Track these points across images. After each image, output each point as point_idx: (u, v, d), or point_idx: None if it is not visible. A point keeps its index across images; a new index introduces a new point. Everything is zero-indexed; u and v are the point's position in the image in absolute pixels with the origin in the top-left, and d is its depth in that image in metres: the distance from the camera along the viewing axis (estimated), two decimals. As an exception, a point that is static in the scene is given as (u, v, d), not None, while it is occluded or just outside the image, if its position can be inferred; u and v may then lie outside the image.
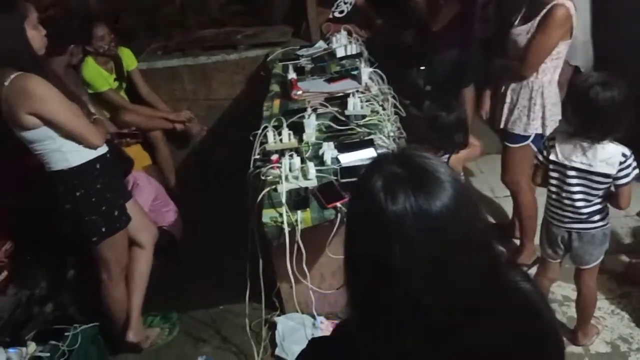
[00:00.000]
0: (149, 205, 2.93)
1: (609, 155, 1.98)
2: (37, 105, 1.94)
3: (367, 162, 2.09)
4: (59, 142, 2.03)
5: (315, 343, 1.00)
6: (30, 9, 1.98)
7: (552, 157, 2.10)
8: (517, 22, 2.51)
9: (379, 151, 2.22)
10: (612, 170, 1.98)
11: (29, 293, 2.54)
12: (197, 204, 3.45)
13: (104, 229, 2.21)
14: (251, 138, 2.40)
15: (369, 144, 2.26)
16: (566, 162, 2.06)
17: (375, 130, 2.39)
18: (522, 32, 2.45)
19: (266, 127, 2.37)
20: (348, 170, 2.10)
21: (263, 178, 2.12)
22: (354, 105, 2.49)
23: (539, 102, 2.48)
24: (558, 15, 2.32)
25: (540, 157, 2.17)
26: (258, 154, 2.31)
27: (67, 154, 2.06)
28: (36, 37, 1.98)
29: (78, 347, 2.30)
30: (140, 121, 3.39)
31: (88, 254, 2.32)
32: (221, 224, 3.04)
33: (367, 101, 2.61)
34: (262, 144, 2.34)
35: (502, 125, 2.63)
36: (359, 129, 2.40)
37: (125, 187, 2.35)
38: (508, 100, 2.57)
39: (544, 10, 2.35)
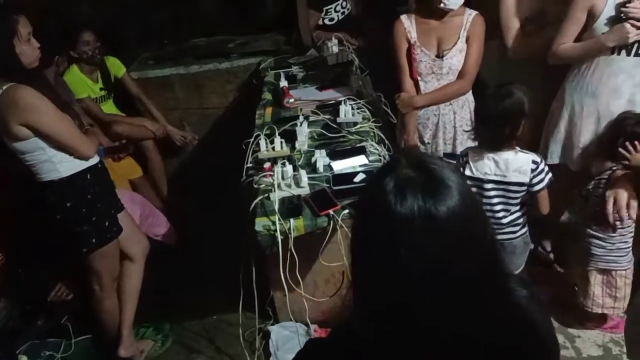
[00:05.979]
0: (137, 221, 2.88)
1: (520, 164, 2.01)
2: (28, 116, 1.93)
3: (360, 168, 2.13)
4: (49, 152, 2.02)
5: (312, 344, 1.00)
6: (23, 23, 1.95)
7: (467, 172, 2.07)
8: (438, 50, 2.48)
9: (371, 158, 2.23)
10: (526, 179, 2.01)
11: (20, 305, 2.52)
12: (189, 213, 3.43)
13: (94, 240, 2.19)
14: (244, 146, 2.40)
15: (361, 151, 2.27)
16: (482, 176, 2.07)
17: (367, 137, 2.40)
18: (455, 54, 2.46)
19: (258, 135, 2.38)
20: (340, 178, 2.11)
21: (256, 186, 2.12)
22: (346, 112, 2.49)
23: (473, 116, 2.39)
24: (481, 23, 2.45)
25: None
26: (250, 162, 2.31)
27: (57, 165, 2.05)
28: (28, 51, 1.95)
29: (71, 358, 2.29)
30: (132, 131, 3.36)
31: (80, 265, 2.31)
32: (214, 232, 3.03)
33: (358, 108, 2.62)
34: (254, 152, 2.34)
35: (450, 150, 2.61)
36: (350, 137, 2.41)
37: (116, 198, 2.33)
38: (457, 122, 2.56)
39: (467, 25, 2.43)
